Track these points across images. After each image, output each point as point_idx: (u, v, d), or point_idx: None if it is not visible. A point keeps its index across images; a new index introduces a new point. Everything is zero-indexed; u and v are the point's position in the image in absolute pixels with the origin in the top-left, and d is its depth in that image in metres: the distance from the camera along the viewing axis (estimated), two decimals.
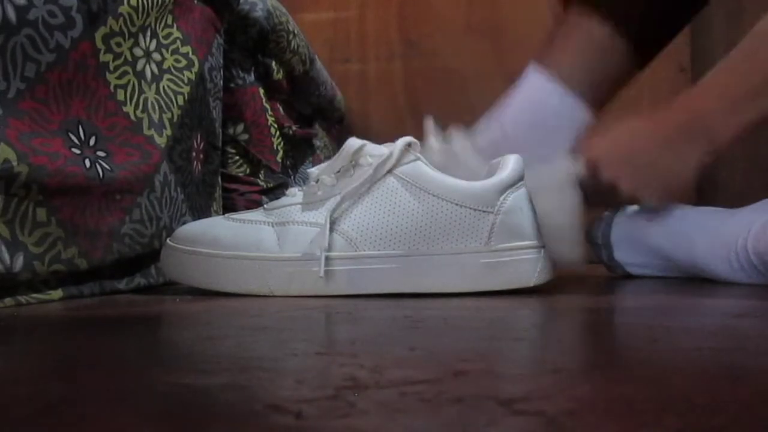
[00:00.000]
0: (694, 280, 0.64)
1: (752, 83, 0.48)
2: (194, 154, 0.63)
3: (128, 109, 0.52)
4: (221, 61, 0.68)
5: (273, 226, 0.51)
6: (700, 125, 0.49)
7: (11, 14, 0.42)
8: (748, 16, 0.74)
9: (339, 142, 1.04)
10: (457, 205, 0.50)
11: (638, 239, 0.67)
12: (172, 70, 0.58)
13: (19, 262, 0.43)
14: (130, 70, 0.52)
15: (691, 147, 0.50)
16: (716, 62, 0.63)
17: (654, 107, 0.59)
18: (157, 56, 0.55)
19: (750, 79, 0.48)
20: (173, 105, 0.58)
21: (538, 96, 0.67)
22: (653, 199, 0.53)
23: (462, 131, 0.60)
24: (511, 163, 0.51)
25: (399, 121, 1.14)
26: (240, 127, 0.79)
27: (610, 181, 0.55)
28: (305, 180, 0.91)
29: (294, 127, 0.88)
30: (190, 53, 0.60)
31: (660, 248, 0.65)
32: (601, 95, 0.68)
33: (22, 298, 0.44)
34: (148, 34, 0.54)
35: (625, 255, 0.68)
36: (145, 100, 0.54)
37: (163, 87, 0.57)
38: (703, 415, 0.19)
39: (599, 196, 0.57)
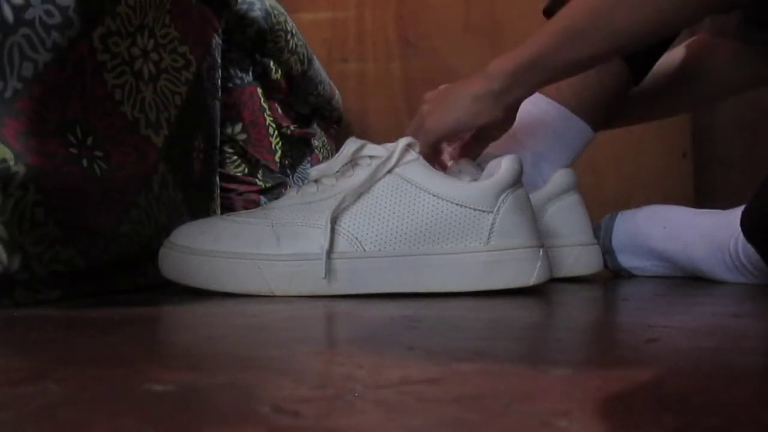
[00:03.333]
0: (692, 281, 0.65)
1: (530, 39, 0.56)
2: (195, 154, 0.63)
3: (125, 108, 0.52)
4: (219, 60, 0.68)
5: (273, 226, 0.51)
6: (483, 71, 0.59)
7: (8, 14, 0.42)
8: None
9: (337, 141, 1.05)
10: (456, 205, 0.50)
11: (639, 243, 0.68)
12: (170, 69, 0.58)
13: (17, 262, 0.43)
14: (127, 70, 0.52)
15: (472, 84, 0.59)
16: None
17: None
18: (154, 56, 0.55)
19: (523, 44, 0.57)
20: (171, 105, 0.58)
21: (542, 117, 0.68)
22: (432, 119, 0.61)
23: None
24: (510, 164, 0.51)
25: (397, 120, 1.14)
26: (238, 127, 0.79)
27: (423, 101, 0.63)
28: (304, 179, 0.91)
29: (292, 127, 0.88)
30: (188, 53, 0.60)
31: (660, 251, 0.66)
32: (600, 112, 0.69)
33: (20, 298, 0.44)
34: (146, 33, 0.54)
35: (627, 259, 0.69)
36: (143, 99, 0.54)
37: (161, 87, 0.56)
38: (701, 414, 0.19)
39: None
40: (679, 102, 0.78)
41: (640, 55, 0.68)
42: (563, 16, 0.55)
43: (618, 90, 0.70)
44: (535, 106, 0.68)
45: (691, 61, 0.76)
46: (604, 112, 0.70)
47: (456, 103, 0.59)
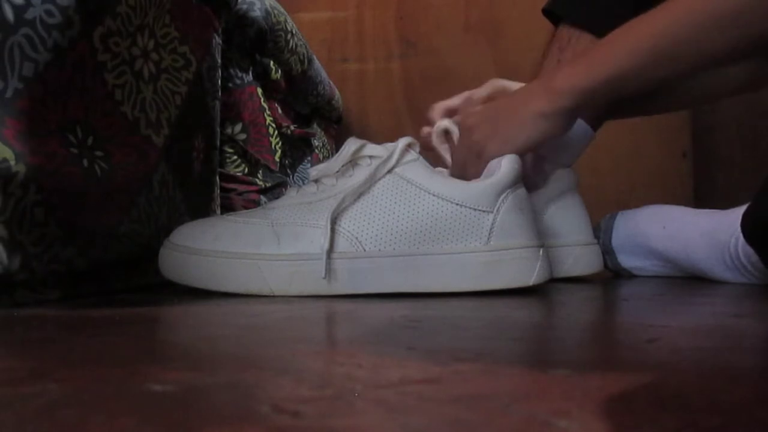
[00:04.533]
0: (692, 280, 0.65)
1: (598, 55, 0.54)
2: (195, 153, 0.63)
3: (126, 108, 0.52)
4: (219, 60, 0.68)
5: (272, 226, 0.51)
6: (547, 86, 0.55)
7: (9, 14, 0.42)
8: None
9: (337, 141, 1.05)
10: (456, 204, 0.50)
11: (639, 243, 0.68)
12: (170, 69, 0.58)
13: (17, 261, 0.43)
14: (127, 70, 0.52)
15: (536, 101, 0.55)
16: None
17: None
18: (154, 56, 0.55)
19: (598, 52, 0.54)
20: (171, 105, 0.58)
21: None
22: (494, 146, 0.57)
23: None
24: (510, 163, 0.51)
25: (397, 120, 1.14)
26: (238, 127, 0.79)
27: (470, 125, 0.59)
28: (304, 179, 0.91)
29: (292, 127, 0.88)
30: (188, 53, 0.60)
31: (660, 251, 0.66)
32: (601, 111, 0.69)
33: (20, 298, 0.44)
34: (146, 33, 0.54)
35: (627, 259, 0.69)
36: (143, 99, 0.54)
37: (161, 87, 0.56)
38: (701, 414, 0.19)
39: (465, 156, 0.60)
40: (673, 99, 0.78)
41: None
42: (646, 35, 0.52)
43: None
44: None
45: None
46: (604, 112, 0.70)
47: (522, 124, 0.56)
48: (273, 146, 0.83)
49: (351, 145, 0.53)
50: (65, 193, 0.46)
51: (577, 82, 0.54)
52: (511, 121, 0.56)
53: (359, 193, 0.51)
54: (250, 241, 0.50)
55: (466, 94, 0.73)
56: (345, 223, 0.50)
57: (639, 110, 0.80)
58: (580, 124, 0.69)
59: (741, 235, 0.57)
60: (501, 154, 0.54)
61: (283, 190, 0.81)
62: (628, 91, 0.54)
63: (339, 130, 1.09)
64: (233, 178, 0.79)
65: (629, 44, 0.53)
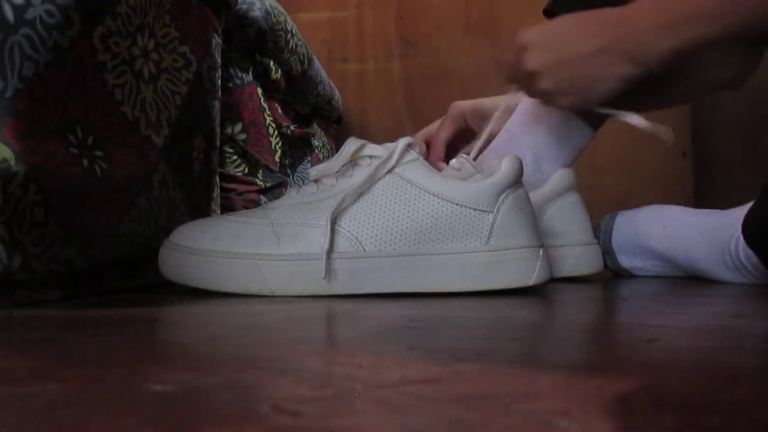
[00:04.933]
0: (692, 281, 0.65)
1: (686, 9, 0.48)
2: (195, 153, 0.63)
3: (126, 108, 0.52)
4: (219, 60, 0.68)
5: (272, 226, 0.51)
6: (631, 42, 0.50)
7: (9, 14, 0.42)
8: None
9: (337, 141, 1.05)
10: (456, 204, 0.50)
11: (639, 243, 0.68)
12: (170, 69, 0.58)
13: (17, 261, 0.43)
14: (127, 70, 0.52)
15: (619, 61, 0.50)
16: None
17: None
18: (154, 56, 0.55)
19: (685, 5, 0.48)
20: (171, 105, 0.58)
21: (542, 117, 0.68)
22: (566, 101, 0.53)
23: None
24: (510, 163, 0.51)
25: (397, 120, 1.14)
26: (238, 127, 0.79)
27: (533, 70, 0.54)
28: (304, 179, 0.91)
29: (292, 127, 0.88)
30: (188, 53, 0.60)
31: (660, 251, 0.66)
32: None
33: (20, 298, 0.44)
34: (146, 33, 0.54)
35: (627, 259, 0.69)
36: (143, 99, 0.54)
37: (161, 86, 0.56)
38: (701, 414, 0.19)
39: (518, 82, 0.56)
40: (670, 95, 0.76)
41: None
42: None
43: None
44: (535, 106, 0.68)
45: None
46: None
47: (603, 84, 0.51)
48: (273, 146, 0.83)
49: (351, 145, 0.53)
50: (65, 193, 0.46)
51: (665, 46, 0.48)
52: (591, 82, 0.51)
53: (359, 193, 0.51)
54: (250, 241, 0.50)
55: (429, 130, 0.70)
56: (345, 223, 0.50)
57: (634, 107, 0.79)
58: (580, 125, 0.69)
59: (741, 236, 0.57)
60: (575, 108, 0.51)
61: (283, 190, 0.81)
62: (717, 46, 0.49)
63: (339, 130, 1.09)
64: (233, 178, 0.79)
65: None
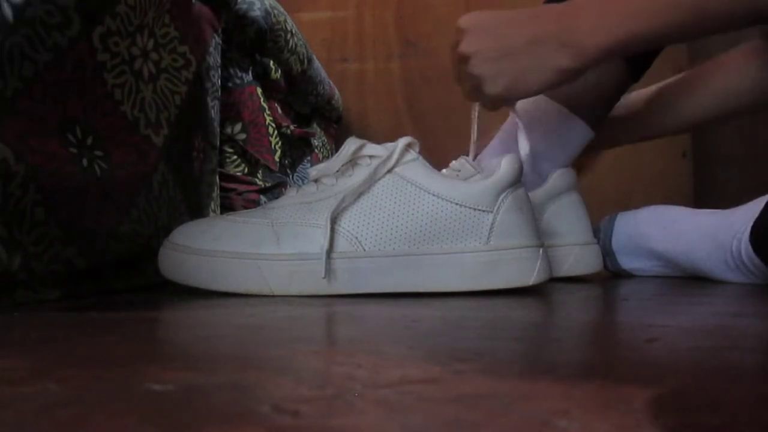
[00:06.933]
0: (692, 281, 0.65)
1: (626, 5, 0.48)
2: (195, 153, 0.63)
3: (125, 108, 0.52)
4: (219, 60, 0.68)
5: (272, 226, 0.51)
6: (569, 38, 0.50)
7: (8, 13, 0.42)
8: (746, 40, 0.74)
9: (337, 141, 1.05)
10: (456, 204, 0.50)
11: (639, 244, 0.68)
12: (170, 69, 0.58)
13: (17, 261, 0.43)
14: (127, 70, 0.52)
15: (556, 54, 0.50)
16: None
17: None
18: (154, 55, 0.55)
19: (626, 1, 0.49)
20: (171, 104, 0.58)
21: (541, 117, 0.68)
22: (494, 89, 0.52)
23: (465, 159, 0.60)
24: (509, 163, 0.51)
25: (397, 120, 1.14)
26: (238, 127, 0.79)
27: (466, 53, 0.53)
28: (304, 179, 0.91)
29: (292, 127, 0.88)
30: (188, 53, 0.60)
31: (661, 252, 0.66)
32: (600, 111, 0.69)
33: (20, 298, 0.44)
34: (146, 33, 0.54)
35: (627, 260, 0.69)
36: (143, 99, 0.54)
37: (161, 86, 0.56)
38: (700, 414, 0.19)
39: (457, 66, 0.55)
40: (682, 118, 0.76)
41: (640, 54, 0.68)
42: None
43: (617, 88, 0.70)
44: (534, 106, 0.68)
45: (701, 72, 0.75)
46: (603, 111, 0.70)
47: (538, 76, 0.50)
48: (273, 146, 0.83)
49: (351, 144, 0.53)
50: (65, 193, 0.46)
51: (604, 41, 0.49)
52: (525, 71, 0.51)
53: (359, 193, 0.51)
54: (249, 240, 0.50)
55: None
56: (345, 223, 0.50)
57: (638, 137, 0.79)
58: (580, 125, 0.69)
59: (743, 236, 0.57)
60: (503, 97, 0.50)
61: (283, 189, 0.81)
62: (660, 45, 0.50)
63: (339, 130, 1.09)
64: (233, 178, 0.79)
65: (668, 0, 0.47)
